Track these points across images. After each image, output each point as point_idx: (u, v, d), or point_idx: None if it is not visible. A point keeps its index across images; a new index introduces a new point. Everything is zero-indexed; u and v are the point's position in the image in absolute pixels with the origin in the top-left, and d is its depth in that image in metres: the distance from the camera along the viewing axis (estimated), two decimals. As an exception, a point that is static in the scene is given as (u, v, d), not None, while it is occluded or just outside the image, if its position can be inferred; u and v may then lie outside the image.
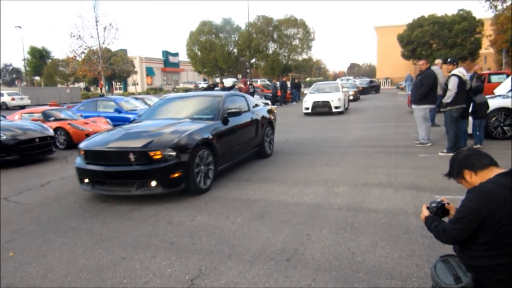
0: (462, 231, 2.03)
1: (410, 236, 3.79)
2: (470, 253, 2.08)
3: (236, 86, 22.93)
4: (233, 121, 6.78)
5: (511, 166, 2.18)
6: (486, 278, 2.04)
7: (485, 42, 37.41)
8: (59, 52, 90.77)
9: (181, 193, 5.57)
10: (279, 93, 26.21)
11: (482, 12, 76.15)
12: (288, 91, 27.46)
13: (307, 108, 17.15)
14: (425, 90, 8.37)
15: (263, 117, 8.11)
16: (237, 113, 6.84)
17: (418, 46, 43.11)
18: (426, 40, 42.54)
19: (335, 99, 16.91)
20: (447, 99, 7.54)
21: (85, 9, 55.34)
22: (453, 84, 7.44)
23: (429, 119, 8.70)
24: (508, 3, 21.94)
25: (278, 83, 27.89)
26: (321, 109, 16.88)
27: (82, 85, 58.67)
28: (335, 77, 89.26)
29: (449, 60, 8.06)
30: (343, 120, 15.08)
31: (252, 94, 21.55)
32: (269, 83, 32.22)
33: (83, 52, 28.69)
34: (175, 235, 4.15)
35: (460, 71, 7.66)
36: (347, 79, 43.29)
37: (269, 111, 8.74)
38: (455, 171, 2.25)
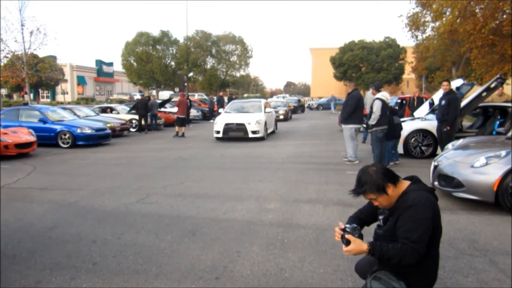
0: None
1: (336, 251, 3.93)
2: None
3: (173, 100, 22.53)
4: None
5: (429, 182, 2.36)
6: (416, 278, 2.20)
7: (408, 68, 40.57)
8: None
9: (106, 209, 5.32)
10: (215, 108, 26.24)
11: (405, 40, 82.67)
12: (225, 106, 27.59)
13: (218, 132, 13.99)
14: (349, 110, 8.95)
15: None
16: None
17: (349, 68, 45.67)
18: (356, 63, 45.23)
19: (253, 121, 13.78)
20: (372, 121, 8.10)
21: (9, 10, 51.53)
22: (377, 107, 8.03)
23: (356, 137, 9.20)
24: (427, 34, 24.08)
25: (215, 98, 27.93)
26: (235, 134, 13.87)
27: (3, 91, 54.23)
28: (272, 94, 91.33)
29: (372, 86, 8.72)
30: (277, 137, 15.42)
31: (189, 108, 21.37)
32: (206, 98, 32.17)
33: (5, 57, 26.60)
34: (99, 255, 3.93)
35: (383, 95, 8.27)
36: (283, 97, 44.54)
37: None
38: (376, 186, 2.21)
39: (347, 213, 5.11)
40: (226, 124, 13.96)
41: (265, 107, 15.32)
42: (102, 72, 64.32)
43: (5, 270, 3.59)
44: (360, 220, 2.52)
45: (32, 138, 11.13)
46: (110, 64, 65.78)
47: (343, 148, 10.28)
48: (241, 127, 13.81)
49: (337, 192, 6.35)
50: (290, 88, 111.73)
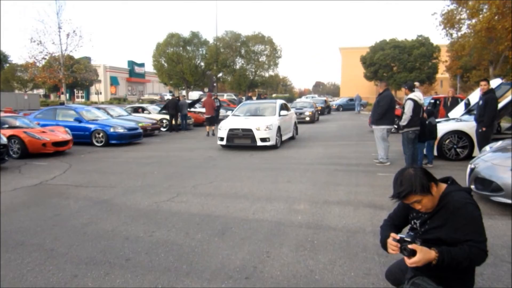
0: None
1: (367, 254, 3.86)
2: None
3: (202, 100, 22.84)
4: None
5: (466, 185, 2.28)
6: (454, 283, 2.14)
7: (441, 67, 39.38)
8: (17, 56, 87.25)
9: (138, 207, 5.44)
10: (244, 108, 26.34)
11: (439, 39, 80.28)
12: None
13: (222, 139, 12.01)
14: (381, 111, 8.77)
15: None
16: None
17: (380, 68, 44.83)
18: (387, 62, 44.34)
19: (262, 126, 11.67)
20: (403, 122, 7.93)
21: (47, 14, 53.48)
22: (408, 107, 7.85)
23: (387, 139, 9.01)
24: (463, 32, 23.27)
25: (244, 98, 28.07)
26: (241, 141, 11.91)
27: (41, 91, 56.51)
28: (301, 94, 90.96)
29: (405, 85, 8.51)
30: (295, 144, 15.31)
31: (218, 108, 21.57)
32: (235, 98, 32.37)
33: (43, 58, 27.74)
34: (132, 251, 4.01)
35: (416, 95, 8.05)
36: (312, 97, 44.22)
37: None
38: (421, 187, 2.09)
39: (378, 216, 5.03)
40: (231, 130, 11.91)
41: (281, 109, 13.21)
42: (134, 73, 65.93)
43: (43, 263, 3.73)
44: (396, 228, 2.41)
45: (68, 137, 11.54)
46: (142, 65, 67.32)
47: (373, 150, 10.09)
48: (248, 134, 11.75)
49: (368, 194, 6.24)
50: (319, 88, 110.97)
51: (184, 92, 46.59)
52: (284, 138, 13.05)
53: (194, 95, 42.54)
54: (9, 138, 10.13)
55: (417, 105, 7.90)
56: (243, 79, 46.85)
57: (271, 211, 5.42)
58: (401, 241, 2.07)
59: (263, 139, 11.66)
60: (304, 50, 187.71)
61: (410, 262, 2.01)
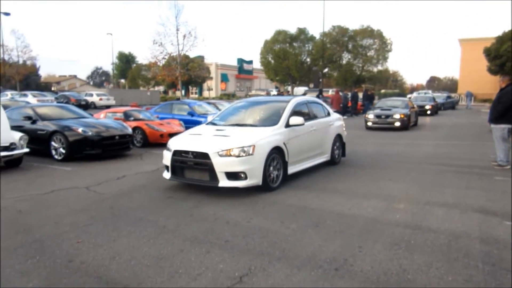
0: None
1: (470, 260, 3.60)
2: None
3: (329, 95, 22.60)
4: None
5: None
6: None
7: None
8: (142, 57, 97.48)
9: (239, 197, 5.81)
10: (349, 104, 25.76)
11: None
12: (360, 102, 26.94)
13: (167, 168, 6.71)
14: (502, 108, 7.89)
15: None
16: None
17: (508, 60, 39.74)
18: (517, 54, 39.08)
19: (235, 149, 6.01)
20: None
21: (167, 17, 59.02)
22: None
23: (509, 139, 8.09)
24: None
25: (349, 94, 27.46)
26: (193, 175, 6.33)
27: (161, 88, 62.51)
28: (412, 90, 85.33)
29: None
30: (414, 135, 14.42)
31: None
32: (341, 93, 31.77)
33: (163, 58, 30.64)
34: (231, 234, 4.35)
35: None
36: (425, 93, 41.23)
37: None
38: None
39: (489, 222, 4.65)
40: (177, 153, 6.47)
41: (296, 113, 7.32)
42: (242, 70, 68.97)
43: (156, 237, 4.26)
44: None
45: (182, 129, 12.63)
46: (250, 62, 70.04)
47: (491, 151, 9.14)
48: (202, 163, 6.12)
49: (479, 198, 5.73)
50: (433, 83, 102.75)
51: (289, 88, 47.27)
52: (299, 167, 7.30)
53: (299, 90, 42.91)
54: (134, 129, 11.52)
55: None
56: (349, 74, 45.73)
57: (367, 207, 5.33)
58: None
59: (231, 175, 6.04)
60: (418, 43, 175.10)
61: None
